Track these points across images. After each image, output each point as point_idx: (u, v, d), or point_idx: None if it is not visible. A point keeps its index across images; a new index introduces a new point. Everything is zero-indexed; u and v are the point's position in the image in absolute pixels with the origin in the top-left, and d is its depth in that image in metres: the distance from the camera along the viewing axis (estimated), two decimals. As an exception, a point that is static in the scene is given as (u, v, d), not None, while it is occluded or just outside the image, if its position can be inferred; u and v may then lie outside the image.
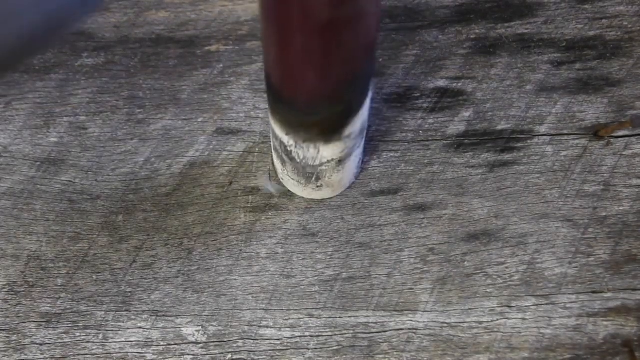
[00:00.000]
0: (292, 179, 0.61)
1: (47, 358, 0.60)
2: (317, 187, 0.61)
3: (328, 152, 0.56)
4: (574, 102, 0.68)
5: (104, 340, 0.60)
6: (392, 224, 0.64)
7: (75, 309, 0.61)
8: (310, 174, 0.59)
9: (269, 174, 0.65)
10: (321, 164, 0.57)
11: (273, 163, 0.65)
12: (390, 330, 0.61)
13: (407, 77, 0.69)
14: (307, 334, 0.61)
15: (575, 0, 0.71)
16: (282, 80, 0.49)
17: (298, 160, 0.57)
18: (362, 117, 0.55)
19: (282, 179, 0.64)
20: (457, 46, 0.69)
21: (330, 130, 0.53)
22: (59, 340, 0.60)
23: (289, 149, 0.56)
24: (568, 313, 0.62)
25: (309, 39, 0.43)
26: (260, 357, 0.60)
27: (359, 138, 0.58)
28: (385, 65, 0.69)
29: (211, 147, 0.66)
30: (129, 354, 0.60)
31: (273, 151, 0.62)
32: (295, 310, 0.62)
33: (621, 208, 0.65)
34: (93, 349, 0.60)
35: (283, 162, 0.59)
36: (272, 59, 0.48)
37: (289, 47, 0.44)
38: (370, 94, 0.54)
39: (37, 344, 0.60)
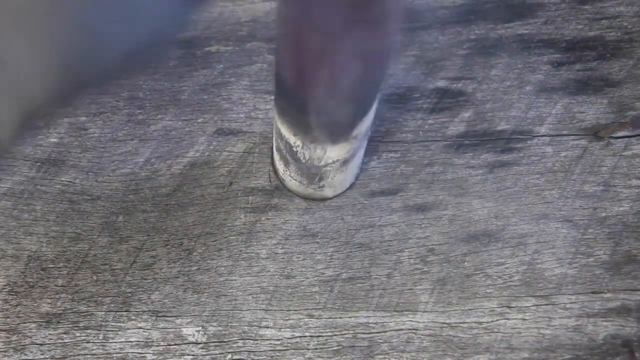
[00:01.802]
0: (294, 180, 0.61)
1: (47, 358, 0.60)
2: (319, 187, 0.61)
3: (334, 152, 0.56)
4: (574, 102, 0.68)
5: (104, 341, 0.61)
6: (392, 225, 0.64)
7: (75, 309, 0.61)
8: (314, 175, 0.59)
9: (269, 174, 0.65)
10: (326, 165, 0.57)
11: (273, 163, 0.65)
12: (390, 330, 0.61)
13: (407, 78, 0.69)
14: (307, 334, 0.61)
15: (575, 1, 0.71)
16: (297, 82, 0.49)
17: (303, 161, 0.57)
18: (369, 118, 0.55)
19: (283, 180, 0.64)
20: (457, 47, 0.70)
21: (339, 131, 0.53)
22: (59, 341, 0.60)
23: (294, 149, 0.56)
24: (568, 313, 0.62)
25: (328, 41, 0.42)
26: (260, 358, 0.60)
27: (364, 139, 0.58)
28: (385, 66, 0.69)
29: (211, 147, 0.66)
30: (129, 354, 0.60)
31: (275, 151, 0.62)
32: (295, 310, 0.62)
33: (621, 208, 0.65)
34: (93, 349, 0.60)
35: (286, 163, 0.59)
36: (287, 60, 0.48)
37: (307, 49, 0.44)
38: (379, 96, 0.54)
39: (37, 344, 0.60)
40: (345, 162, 0.58)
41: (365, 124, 0.55)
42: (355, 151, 0.58)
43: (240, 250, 0.63)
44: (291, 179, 0.62)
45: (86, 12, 0.26)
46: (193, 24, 0.69)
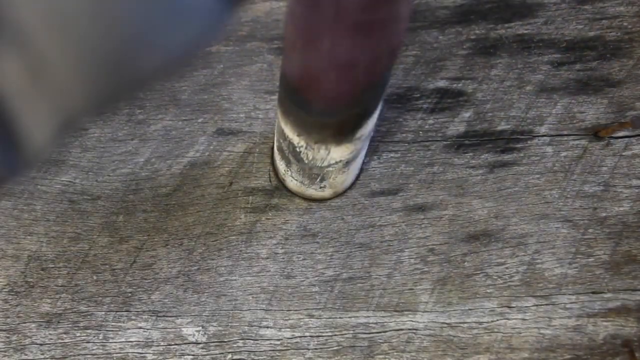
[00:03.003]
0: (295, 180, 0.61)
1: (47, 358, 0.60)
2: (320, 187, 0.61)
3: (338, 153, 0.56)
4: (574, 102, 0.68)
5: (104, 341, 0.60)
6: (392, 225, 0.64)
7: (75, 309, 0.61)
8: (315, 175, 0.59)
9: (269, 174, 0.65)
10: (329, 165, 0.57)
11: (273, 163, 0.65)
12: (391, 330, 0.61)
13: (407, 78, 0.69)
14: (307, 334, 0.61)
15: (575, 1, 0.71)
16: (304, 82, 0.48)
17: (306, 161, 0.57)
18: (374, 119, 0.55)
19: (284, 180, 0.64)
20: (457, 47, 0.69)
21: (344, 132, 0.53)
22: (59, 341, 0.60)
23: (298, 150, 0.56)
24: (568, 313, 0.62)
25: (337, 42, 0.42)
26: (260, 358, 0.60)
27: (367, 140, 0.58)
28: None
29: (211, 147, 0.66)
30: (129, 354, 0.60)
31: (276, 151, 0.62)
32: (296, 310, 0.62)
33: (621, 208, 0.65)
34: (93, 349, 0.60)
35: (288, 163, 0.59)
36: (294, 61, 0.47)
37: (315, 50, 0.44)
38: (383, 97, 0.54)
39: (37, 344, 0.60)
40: (347, 162, 0.58)
41: (369, 125, 0.55)
42: (358, 152, 0.58)
43: (241, 250, 0.63)
44: (292, 179, 0.62)
45: (128, 19, 0.26)
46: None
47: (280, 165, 0.62)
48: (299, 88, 0.49)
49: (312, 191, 0.62)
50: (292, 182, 0.62)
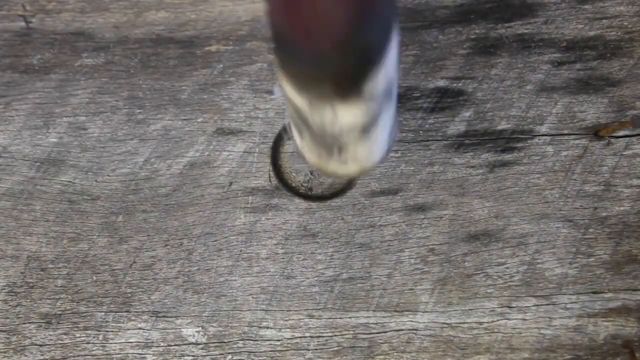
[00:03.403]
0: (313, 151, 0.55)
1: (47, 359, 0.60)
2: (342, 161, 0.55)
3: (347, 115, 0.49)
4: (574, 102, 0.68)
5: (104, 341, 0.60)
6: (392, 225, 0.64)
7: (75, 310, 0.61)
8: (330, 144, 0.53)
9: (269, 174, 0.65)
10: (341, 132, 0.51)
11: (273, 163, 0.65)
12: (391, 330, 0.61)
13: (407, 77, 0.68)
14: (307, 334, 0.61)
15: (576, 1, 0.71)
16: (287, 24, 0.43)
17: (315, 127, 0.51)
18: (385, 71, 0.47)
19: (302, 152, 0.58)
20: (457, 46, 0.69)
21: (344, 84, 0.46)
22: (59, 341, 0.60)
23: (303, 114, 0.50)
24: (568, 313, 0.62)
25: None
26: (260, 358, 0.60)
27: (386, 100, 0.51)
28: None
29: (211, 147, 0.66)
30: (129, 354, 0.60)
31: (289, 119, 0.56)
32: (296, 310, 0.62)
33: (621, 208, 0.65)
34: (93, 350, 0.60)
35: (300, 130, 0.53)
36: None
37: None
38: (394, 43, 0.47)
39: (37, 344, 0.60)
40: (365, 129, 0.51)
41: (380, 80, 0.47)
42: (376, 116, 0.51)
43: (240, 251, 0.63)
44: (309, 150, 0.55)
45: None
46: (192, 24, 0.69)
47: (296, 135, 0.56)
48: (285, 32, 0.43)
49: (334, 166, 0.56)
50: (310, 154, 0.56)
